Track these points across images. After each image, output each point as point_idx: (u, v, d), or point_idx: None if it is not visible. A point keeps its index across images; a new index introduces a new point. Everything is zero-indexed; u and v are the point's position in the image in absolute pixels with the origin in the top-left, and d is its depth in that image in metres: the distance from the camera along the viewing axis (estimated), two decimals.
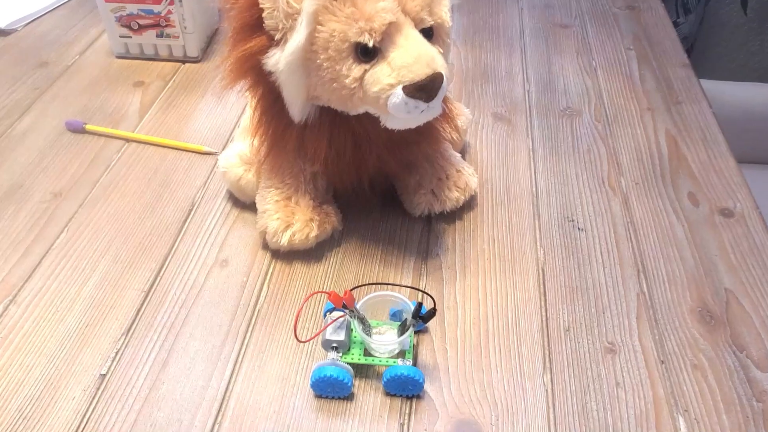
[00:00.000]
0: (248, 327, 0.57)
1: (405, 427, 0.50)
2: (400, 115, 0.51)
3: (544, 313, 0.58)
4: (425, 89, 0.50)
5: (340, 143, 0.58)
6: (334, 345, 0.51)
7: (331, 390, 0.51)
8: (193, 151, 0.76)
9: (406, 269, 0.62)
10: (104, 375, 0.53)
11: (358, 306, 0.51)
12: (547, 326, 0.57)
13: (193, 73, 0.91)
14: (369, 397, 0.52)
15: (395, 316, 0.55)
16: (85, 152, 0.76)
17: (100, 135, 0.79)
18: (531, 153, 0.77)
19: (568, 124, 0.82)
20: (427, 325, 0.57)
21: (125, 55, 0.93)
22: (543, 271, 0.62)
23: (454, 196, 0.66)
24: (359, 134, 0.58)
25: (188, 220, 0.68)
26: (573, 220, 0.68)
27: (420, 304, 0.49)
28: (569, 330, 0.57)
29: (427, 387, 0.53)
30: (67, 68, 0.92)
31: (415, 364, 0.54)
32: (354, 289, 0.51)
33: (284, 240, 0.61)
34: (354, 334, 0.53)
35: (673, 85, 0.90)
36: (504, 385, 0.53)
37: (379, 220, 0.68)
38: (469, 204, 0.69)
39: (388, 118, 0.53)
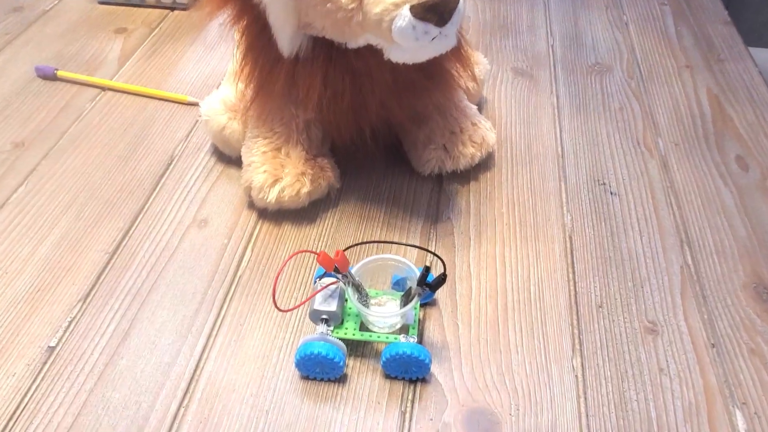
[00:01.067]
0: (226, 295, 0.49)
1: (407, 415, 0.42)
2: (407, 42, 0.43)
3: (572, 287, 0.50)
4: (437, 9, 0.41)
5: (337, 83, 0.49)
6: (324, 317, 0.43)
7: (319, 370, 0.43)
8: (175, 102, 0.68)
9: (413, 233, 0.54)
10: (53, 347, 0.45)
11: (353, 270, 0.43)
12: (576, 302, 0.49)
13: (182, 21, 0.83)
14: (364, 379, 0.44)
15: (398, 284, 0.47)
16: (54, 100, 0.68)
17: (73, 82, 0.71)
18: (556, 110, 0.68)
19: (598, 80, 0.73)
20: (435, 296, 0.49)
21: (109, 0, 0.85)
22: (570, 239, 0.54)
23: (469, 153, 0.57)
24: (359, 72, 0.49)
25: (165, 176, 0.59)
26: (604, 184, 0.59)
27: (428, 269, 0.41)
28: (602, 306, 0.48)
29: (434, 369, 0.44)
30: (44, 13, 0.83)
31: (420, 341, 0.45)
32: (349, 249, 0.43)
33: (272, 196, 0.52)
34: (348, 304, 0.45)
35: (713, 43, 0.80)
36: (526, 368, 0.44)
37: (383, 178, 0.59)
38: (486, 163, 0.61)
39: (392, 49, 0.45)
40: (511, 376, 0.44)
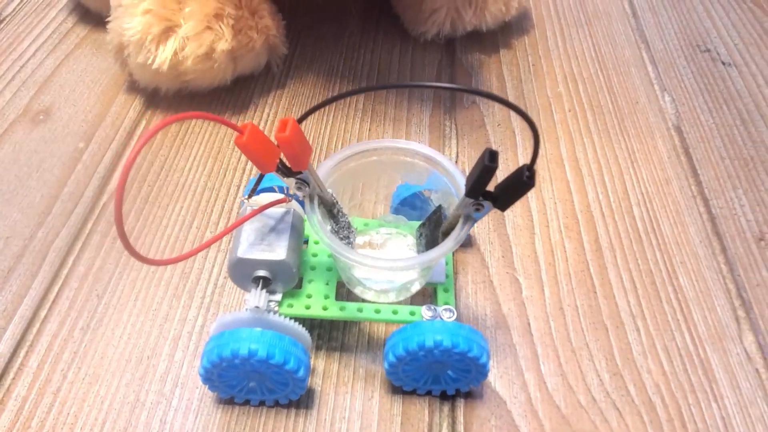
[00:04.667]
0: (73, 243, 0.26)
1: None
2: None
3: (703, 207, 0.28)
4: None
5: None
6: (262, 274, 0.20)
7: (256, 387, 0.20)
8: None
9: (416, 127, 0.31)
10: None
11: (323, 173, 0.20)
12: (716, 232, 0.27)
13: None
14: (349, 399, 0.21)
15: (408, 204, 0.24)
16: None
17: None
18: None
19: None
20: (473, 229, 0.26)
21: None
22: (680, 131, 0.32)
23: None
24: None
25: None
26: (708, 50, 0.38)
27: (494, 155, 0.18)
28: (764, 239, 0.27)
29: (491, 373, 0.22)
30: None
31: (458, 318, 0.23)
32: (308, 117, 0.20)
33: (162, 57, 0.29)
34: (312, 245, 0.22)
35: None
36: (660, 360, 0.23)
37: (360, 42, 0.36)
38: (520, 24, 0.38)
39: None
40: (638, 377, 0.22)
